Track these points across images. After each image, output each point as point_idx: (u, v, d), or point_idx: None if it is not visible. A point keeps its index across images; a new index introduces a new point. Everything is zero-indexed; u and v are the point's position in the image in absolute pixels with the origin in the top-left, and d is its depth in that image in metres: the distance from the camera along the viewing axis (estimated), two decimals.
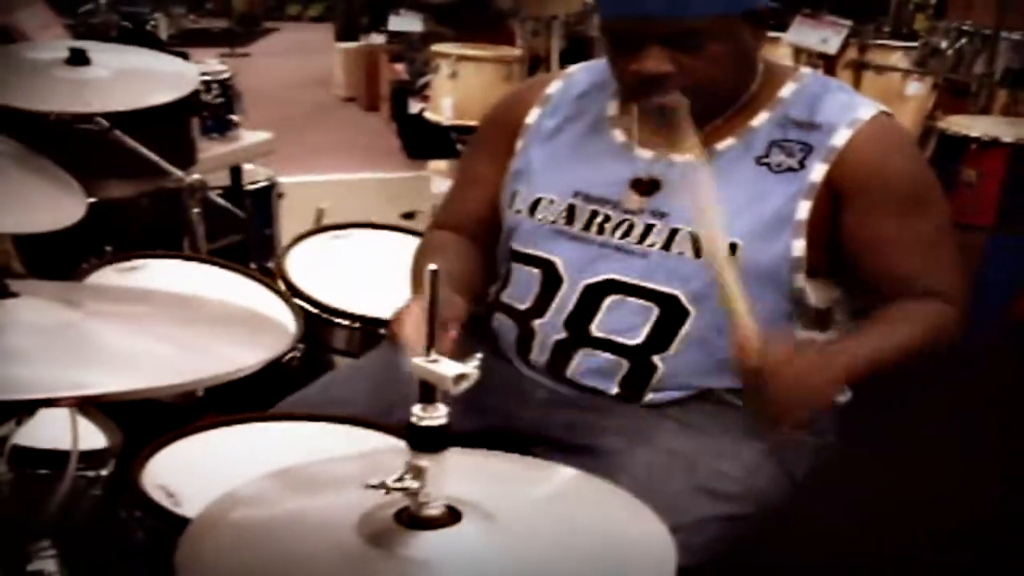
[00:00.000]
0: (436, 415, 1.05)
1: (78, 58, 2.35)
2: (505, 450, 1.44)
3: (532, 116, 1.84)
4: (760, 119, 1.70)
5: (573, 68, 1.92)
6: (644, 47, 1.62)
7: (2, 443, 1.25)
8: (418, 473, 1.05)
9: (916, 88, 4.99)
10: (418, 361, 1.05)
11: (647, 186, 1.70)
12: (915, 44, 4.74)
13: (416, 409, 1.05)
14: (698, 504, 1.56)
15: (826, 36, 4.54)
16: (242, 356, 1.19)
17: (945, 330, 1.68)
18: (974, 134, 3.49)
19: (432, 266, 1.08)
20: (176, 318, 1.34)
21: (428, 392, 1.05)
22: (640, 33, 1.63)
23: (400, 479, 1.05)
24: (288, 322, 2.06)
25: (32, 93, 2.32)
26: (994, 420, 3.08)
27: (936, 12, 5.76)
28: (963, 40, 4.33)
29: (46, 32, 3.43)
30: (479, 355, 1.08)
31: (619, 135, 1.77)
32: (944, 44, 4.38)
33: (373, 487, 1.05)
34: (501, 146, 1.85)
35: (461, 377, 1.05)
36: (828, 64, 4.83)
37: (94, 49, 2.40)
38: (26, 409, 1.22)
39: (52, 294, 1.29)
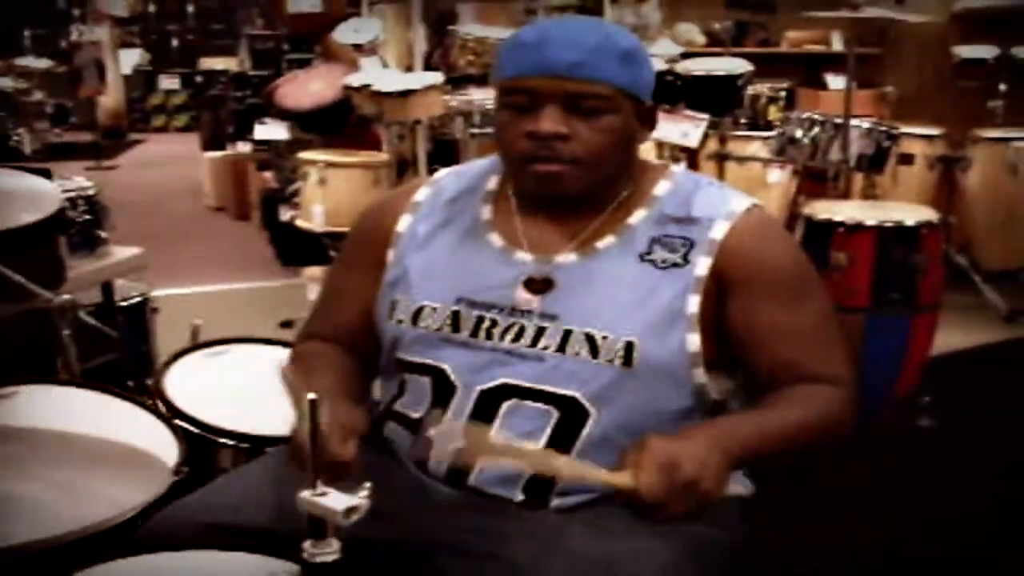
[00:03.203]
0: (328, 550, 1.02)
1: None
2: (408, 560, 1.40)
3: (403, 224, 1.82)
4: (637, 217, 1.72)
5: (439, 174, 1.90)
6: (542, 107, 1.64)
7: None
8: None
9: (778, 176, 5.17)
10: (306, 495, 1.02)
11: (540, 285, 1.69)
12: (772, 134, 4.91)
13: (307, 545, 1.02)
14: None
15: (686, 130, 4.66)
16: (124, 497, 1.14)
17: (835, 413, 1.69)
18: (839, 218, 3.58)
19: (311, 395, 1.05)
20: (53, 458, 1.28)
21: (318, 527, 1.02)
22: (541, 93, 1.64)
23: None
24: (170, 445, 2.00)
25: None
26: (892, 495, 3.16)
27: (787, 103, 6.00)
28: (816, 129, 4.49)
29: None
30: (368, 485, 1.05)
31: (497, 239, 1.76)
32: (799, 133, 4.53)
33: None
34: (370, 257, 1.83)
35: (351, 510, 1.02)
36: (691, 157, 4.97)
37: None
38: None
39: None
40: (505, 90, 1.71)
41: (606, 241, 1.71)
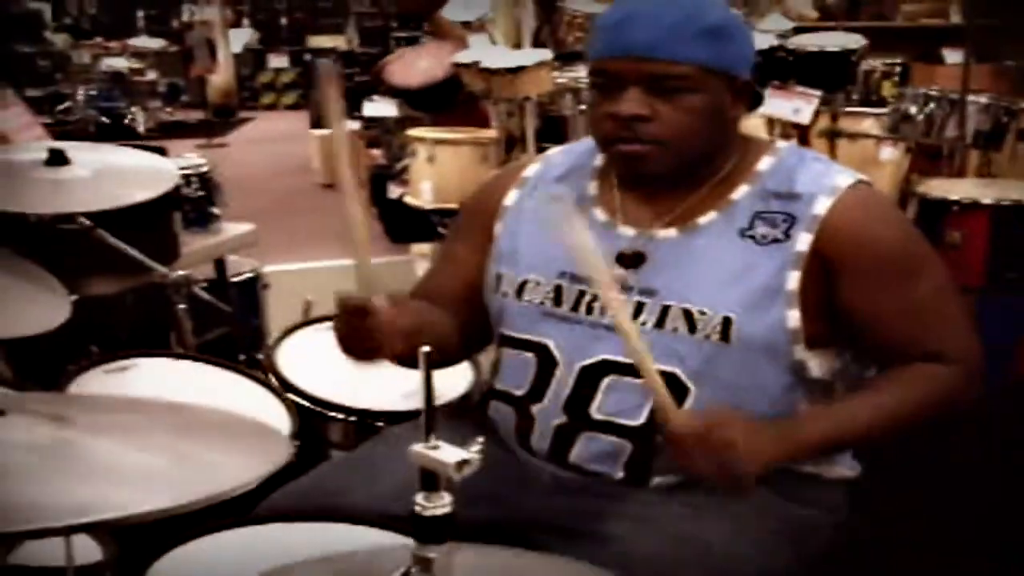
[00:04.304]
0: (440, 504, 1.03)
1: (57, 159, 2.34)
2: (508, 540, 1.41)
3: (511, 198, 1.85)
4: (740, 192, 1.70)
5: (551, 151, 1.93)
6: (624, 90, 1.64)
7: None
8: (426, 565, 1.03)
9: (890, 153, 5.04)
10: (418, 448, 1.03)
11: (631, 259, 1.70)
12: (885, 110, 4.80)
13: (419, 498, 1.03)
14: None
15: (798, 107, 4.59)
16: (242, 471, 1.15)
17: (945, 391, 1.66)
18: (954, 197, 3.50)
19: (425, 348, 1.07)
20: (170, 428, 1.30)
21: (430, 480, 1.03)
22: (622, 75, 1.64)
23: (407, 572, 1.03)
24: (282, 418, 2.04)
25: (12, 195, 2.31)
26: (1004, 480, 3.08)
27: (902, 79, 5.86)
28: (931, 105, 4.37)
29: (25, 133, 3.44)
30: (480, 440, 1.06)
31: (600, 214, 1.76)
32: (913, 109, 4.42)
33: None
34: (477, 229, 1.86)
35: (463, 463, 1.03)
36: (802, 133, 4.88)
37: (73, 149, 2.39)
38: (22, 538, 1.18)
39: (41, 409, 1.25)
40: (591, 71, 1.72)
41: (708, 217, 1.70)
